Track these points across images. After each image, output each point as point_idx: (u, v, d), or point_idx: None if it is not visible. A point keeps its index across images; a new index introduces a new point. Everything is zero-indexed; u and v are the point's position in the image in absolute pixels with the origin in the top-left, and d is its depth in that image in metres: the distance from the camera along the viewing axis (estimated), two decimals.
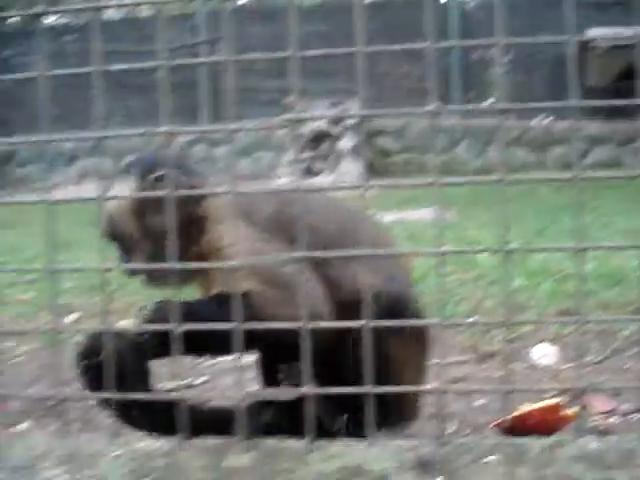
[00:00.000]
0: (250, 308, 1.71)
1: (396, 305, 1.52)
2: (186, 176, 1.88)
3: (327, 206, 1.98)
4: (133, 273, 1.93)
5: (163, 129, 1.48)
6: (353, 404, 1.69)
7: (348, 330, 1.72)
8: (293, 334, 1.48)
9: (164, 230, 1.86)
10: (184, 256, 1.85)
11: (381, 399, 1.58)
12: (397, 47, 1.50)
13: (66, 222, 7.58)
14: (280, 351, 1.82)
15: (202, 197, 1.85)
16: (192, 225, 1.87)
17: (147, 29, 12.98)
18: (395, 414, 1.56)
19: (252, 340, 1.60)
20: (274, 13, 11.93)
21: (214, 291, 1.85)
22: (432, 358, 1.91)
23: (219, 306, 1.71)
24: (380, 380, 1.59)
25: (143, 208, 1.87)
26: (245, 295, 1.71)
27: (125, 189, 1.92)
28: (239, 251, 1.78)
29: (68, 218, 7.36)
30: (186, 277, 1.91)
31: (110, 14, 14.85)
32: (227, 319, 1.47)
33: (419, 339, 1.82)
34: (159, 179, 1.88)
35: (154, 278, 1.92)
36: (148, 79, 11.96)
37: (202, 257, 1.87)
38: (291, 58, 1.48)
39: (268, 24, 11.98)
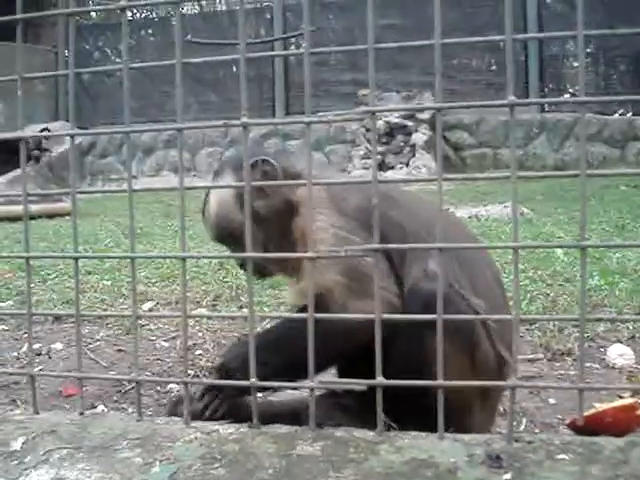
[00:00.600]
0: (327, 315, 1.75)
1: (433, 302, 1.50)
2: (284, 164, 1.96)
3: (413, 202, 1.99)
4: (243, 266, 1.97)
5: (240, 121, 1.50)
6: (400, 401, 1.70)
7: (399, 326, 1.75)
8: (369, 332, 1.51)
9: (271, 215, 1.92)
10: (284, 242, 1.92)
11: (423, 396, 1.58)
12: (475, 39, 1.49)
13: (140, 214, 7.78)
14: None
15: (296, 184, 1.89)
16: (288, 211, 1.93)
17: (223, 23, 13.14)
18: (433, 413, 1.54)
19: (333, 355, 1.64)
20: (348, 6, 11.91)
21: (297, 293, 1.90)
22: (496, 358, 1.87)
23: (295, 328, 1.75)
24: (417, 377, 1.59)
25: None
26: (321, 302, 1.73)
27: (229, 180, 1.97)
28: (326, 238, 1.81)
29: (142, 210, 7.57)
30: (286, 265, 1.96)
31: (188, 8, 15.08)
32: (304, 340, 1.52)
33: (461, 339, 1.78)
34: (253, 166, 1.92)
35: (263, 268, 1.97)
36: (223, 73, 12.13)
37: (294, 244, 1.92)
38: (368, 51, 1.48)
39: (342, 17, 11.99)
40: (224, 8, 14.51)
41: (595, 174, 1.49)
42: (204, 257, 1.88)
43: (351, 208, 1.86)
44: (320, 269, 1.78)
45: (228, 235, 1.96)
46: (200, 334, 3.10)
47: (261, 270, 1.97)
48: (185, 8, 14.42)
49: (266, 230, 1.94)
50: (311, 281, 1.53)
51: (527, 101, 1.55)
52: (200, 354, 2.89)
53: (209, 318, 3.22)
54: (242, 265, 1.95)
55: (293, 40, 12.68)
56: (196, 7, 14.97)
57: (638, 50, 11.00)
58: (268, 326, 2.30)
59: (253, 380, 1.60)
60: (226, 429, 1.65)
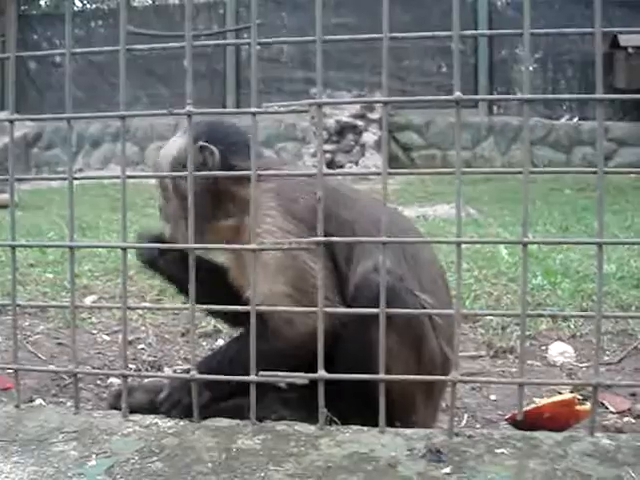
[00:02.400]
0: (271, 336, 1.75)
1: (383, 296, 1.50)
2: (232, 155, 1.91)
3: (363, 201, 1.97)
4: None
5: (185, 110, 1.48)
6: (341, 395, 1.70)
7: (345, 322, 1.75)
8: (315, 347, 1.53)
9: (203, 200, 1.89)
10: (214, 228, 1.90)
11: (367, 389, 1.58)
12: (422, 34, 1.49)
13: (87, 207, 7.64)
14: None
15: (245, 181, 1.82)
16: (232, 203, 1.90)
17: (176, 16, 13.01)
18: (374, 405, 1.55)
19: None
20: (301, 4, 11.90)
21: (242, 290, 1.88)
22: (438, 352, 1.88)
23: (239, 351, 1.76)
24: (365, 372, 1.60)
25: (179, 169, 1.89)
26: (266, 313, 1.73)
27: (178, 142, 1.95)
28: (272, 240, 1.78)
29: (88, 203, 7.45)
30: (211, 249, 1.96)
31: (140, 1, 14.90)
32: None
33: (410, 333, 1.79)
34: (203, 149, 1.90)
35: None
36: (173, 66, 12.02)
37: (236, 232, 1.91)
38: (316, 43, 1.47)
39: (295, 15, 11.98)
40: (176, 2, 14.36)
41: (537, 171, 1.51)
42: (145, 247, 1.84)
43: (300, 210, 1.83)
44: (267, 279, 1.76)
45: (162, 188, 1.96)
46: (143, 328, 3.06)
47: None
48: (137, 1, 14.25)
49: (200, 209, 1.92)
50: (254, 277, 1.53)
51: (472, 97, 1.56)
52: (143, 348, 2.85)
53: (149, 310, 3.18)
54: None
55: (247, 37, 12.61)
56: (148, 0, 14.80)
57: (585, 56, 11.21)
58: (215, 347, 2.26)
59: (193, 373, 1.58)
60: (165, 422, 1.63)
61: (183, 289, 2.00)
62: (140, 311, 3.20)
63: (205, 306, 1.71)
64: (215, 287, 1.92)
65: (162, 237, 1.98)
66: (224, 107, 11.79)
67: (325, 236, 1.53)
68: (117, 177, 1.55)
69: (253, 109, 1.48)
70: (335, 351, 1.72)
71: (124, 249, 1.56)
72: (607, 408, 2.33)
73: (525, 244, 1.43)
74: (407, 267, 1.85)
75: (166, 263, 1.96)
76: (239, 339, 1.81)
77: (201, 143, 1.88)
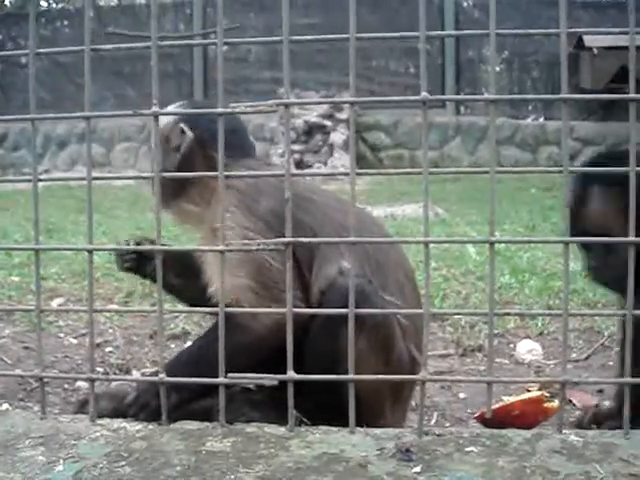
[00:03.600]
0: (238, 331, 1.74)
1: (352, 297, 1.50)
2: (210, 143, 1.90)
3: (328, 205, 1.97)
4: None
5: (151, 110, 1.47)
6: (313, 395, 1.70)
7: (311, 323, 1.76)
8: (279, 337, 1.53)
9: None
10: (182, 208, 1.94)
11: (337, 391, 1.59)
12: (388, 35, 1.49)
13: (53, 209, 7.54)
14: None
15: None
16: (200, 189, 1.92)
17: (142, 16, 12.90)
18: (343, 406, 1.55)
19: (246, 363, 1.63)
20: (269, 4, 11.87)
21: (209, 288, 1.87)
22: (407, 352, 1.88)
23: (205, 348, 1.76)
24: (334, 373, 1.60)
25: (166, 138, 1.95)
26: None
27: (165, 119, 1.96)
28: (231, 237, 1.77)
29: (55, 205, 7.36)
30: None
31: (106, 0, 14.78)
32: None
33: (379, 335, 1.79)
34: (183, 132, 1.94)
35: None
36: (140, 67, 11.93)
37: (200, 219, 1.93)
38: (283, 43, 1.47)
39: (263, 15, 11.95)
40: (143, 1, 14.26)
41: (503, 171, 1.52)
42: (111, 250, 1.82)
43: (261, 210, 1.83)
44: (229, 272, 1.75)
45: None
46: (111, 331, 3.03)
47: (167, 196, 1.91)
48: (103, 1, 14.13)
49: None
50: (220, 278, 1.52)
51: (439, 97, 1.57)
52: (111, 351, 2.83)
53: (117, 312, 3.15)
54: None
55: (215, 37, 12.54)
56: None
57: (551, 57, 11.32)
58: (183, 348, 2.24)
59: (162, 376, 1.57)
60: (134, 426, 1.62)
61: (174, 291, 2.01)
62: (108, 314, 3.18)
63: (172, 308, 1.70)
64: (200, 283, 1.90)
65: (142, 242, 1.96)
66: None
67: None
68: (83, 179, 1.53)
69: (220, 109, 1.47)
70: (304, 353, 1.71)
71: (90, 251, 1.54)
72: (575, 405, 2.35)
73: (492, 243, 1.44)
74: (370, 271, 1.85)
75: (151, 267, 1.93)
76: (205, 338, 1.81)
77: (181, 125, 1.93)
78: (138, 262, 1.98)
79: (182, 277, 1.98)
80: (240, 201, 1.85)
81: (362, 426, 1.59)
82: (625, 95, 1.49)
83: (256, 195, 1.87)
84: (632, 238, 1.44)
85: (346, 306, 1.51)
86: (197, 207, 1.94)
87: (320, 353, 1.77)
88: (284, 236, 1.51)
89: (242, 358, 1.66)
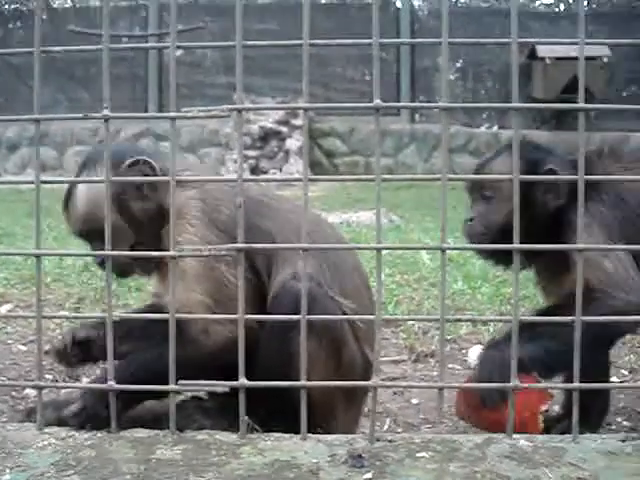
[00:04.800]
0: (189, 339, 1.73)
1: (305, 302, 1.50)
2: (162, 167, 1.86)
3: (285, 210, 1.96)
4: (102, 264, 1.86)
5: (102, 113, 1.45)
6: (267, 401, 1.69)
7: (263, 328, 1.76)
8: (233, 353, 1.52)
9: (145, 218, 1.85)
10: (154, 246, 1.83)
11: (288, 395, 1.58)
12: (342, 42, 1.50)
13: (3, 213, 7.39)
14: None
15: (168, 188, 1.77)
16: (161, 216, 1.85)
17: (96, 19, 12.76)
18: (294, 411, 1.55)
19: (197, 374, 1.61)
20: (225, 9, 11.85)
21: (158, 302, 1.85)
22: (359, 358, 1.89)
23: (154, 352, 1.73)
24: (285, 377, 1.60)
25: (124, 195, 1.84)
26: (183, 321, 1.71)
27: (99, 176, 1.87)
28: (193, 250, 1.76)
29: (5, 209, 7.21)
30: (151, 267, 1.91)
31: (60, 2, 14.58)
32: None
33: (329, 338, 1.80)
34: (133, 165, 1.85)
35: (126, 266, 1.87)
36: (94, 70, 11.79)
37: (163, 248, 1.86)
38: (236, 47, 1.47)
39: (219, 19, 11.91)
40: (97, 4, 14.10)
41: (455, 178, 1.53)
42: (60, 254, 1.79)
43: (223, 220, 1.82)
44: (185, 287, 1.74)
45: (95, 230, 1.80)
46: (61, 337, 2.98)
47: (123, 269, 1.90)
48: (57, 2, 13.93)
49: (137, 232, 1.86)
50: (174, 286, 1.50)
51: (391, 105, 1.58)
52: None
53: (67, 318, 3.10)
54: (101, 263, 1.85)
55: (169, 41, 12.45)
56: (69, 1, 14.47)
57: (504, 66, 11.47)
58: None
59: (111, 383, 1.55)
60: (82, 434, 1.59)
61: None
62: (58, 320, 3.13)
63: (124, 314, 1.68)
64: None
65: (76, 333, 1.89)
66: (146, 112, 11.62)
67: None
68: (31, 182, 1.50)
69: (172, 114, 1.46)
70: (255, 358, 1.70)
71: (38, 256, 1.51)
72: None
73: (444, 250, 1.45)
74: (329, 274, 1.85)
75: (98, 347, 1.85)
76: (155, 345, 1.77)
77: (143, 157, 1.86)
78: (86, 349, 1.87)
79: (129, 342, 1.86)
80: (203, 213, 1.83)
81: (315, 429, 1.58)
82: (574, 105, 1.51)
83: (217, 204, 1.86)
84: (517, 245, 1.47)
85: (296, 310, 1.51)
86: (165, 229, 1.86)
87: (271, 357, 1.77)
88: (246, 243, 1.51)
89: (192, 370, 1.64)
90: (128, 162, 1.84)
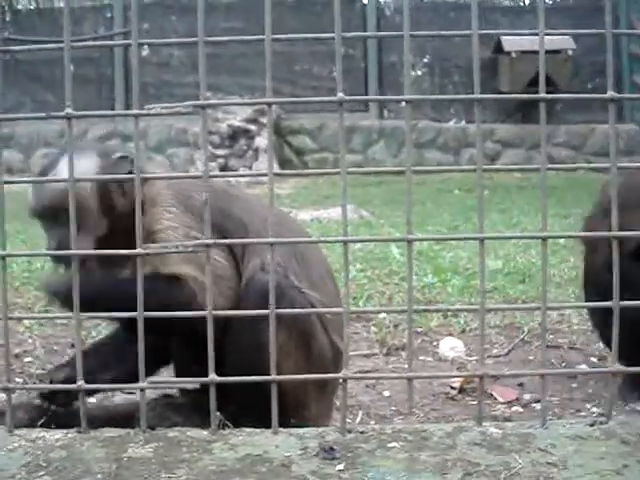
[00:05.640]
0: (181, 290, 1.74)
1: (273, 296, 1.51)
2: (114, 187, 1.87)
3: (253, 201, 2.01)
4: (59, 261, 1.84)
5: (65, 112, 1.44)
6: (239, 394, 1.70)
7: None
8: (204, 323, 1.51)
9: (123, 214, 1.83)
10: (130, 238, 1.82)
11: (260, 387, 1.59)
12: (304, 36, 1.50)
13: None
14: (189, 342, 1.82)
15: (143, 181, 1.76)
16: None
17: (60, 20, 12.63)
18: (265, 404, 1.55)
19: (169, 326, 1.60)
20: (191, 8, 11.78)
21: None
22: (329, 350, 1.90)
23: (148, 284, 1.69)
24: (256, 370, 1.61)
25: (108, 186, 1.85)
26: (178, 279, 1.73)
27: (92, 162, 1.87)
28: (174, 236, 1.77)
29: None
30: (124, 261, 1.87)
31: (24, 3, 14.40)
32: (153, 298, 1.55)
33: (298, 329, 1.81)
34: (123, 158, 1.87)
35: (91, 263, 1.85)
36: (59, 72, 11.68)
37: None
38: (199, 44, 1.47)
39: (184, 19, 11.85)
40: (62, 5, 13.97)
41: (420, 170, 1.54)
42: (26, 255, 1.78)
43: (197, 207, 1.83)
44: (179, 264, 1.77)
45: (65, 211, 1.66)
46: (30, 340, 2.96)
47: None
48: (20, 4, 13.75)
49: (112, 226, 1.86)
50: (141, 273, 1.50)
51: (354, 98, 1.59)
52: (30, 361, 2.76)
53: (35, 320, 3.08)
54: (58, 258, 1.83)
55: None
56: (32, 3, 14.30)
57: (471, 61, 11.49)
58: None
59: (80, 383, 1.54)
60: (52, 435, 1.58)
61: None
62: (27, 323, 3.10)
63: (90, 314, 1.67)
64: None
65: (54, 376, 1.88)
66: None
67: (223, 233, 1.61)
68: None
69: (135, 111, 1.46)
70: (225, 352, 1.71)
71: (3, 257, 1.50)
72: (496, 399, 2.40)
73: (410, 241, 1.47)
74: (297, 265, 1.87)
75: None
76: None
77: (130, 155, 1.87)
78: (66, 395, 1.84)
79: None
80: (177, 200, 1.86)
81: (288, 419, 1.59)
82: (535, 95, 1.53)
83: (189, 192, 1.88)
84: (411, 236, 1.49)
85: (263, 302, 1.52)
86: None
87: (241, 349, 1.78)
88: (221, 229, 1.50)
89: (165, 309, 1.60)
90: (118, 155, 1.87)
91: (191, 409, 1.83)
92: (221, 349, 1.62)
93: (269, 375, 1.50)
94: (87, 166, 1.86)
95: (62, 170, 1.77)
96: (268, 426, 1.54)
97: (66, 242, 1.64)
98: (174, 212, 1.83)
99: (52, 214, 1.84)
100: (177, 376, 1.97)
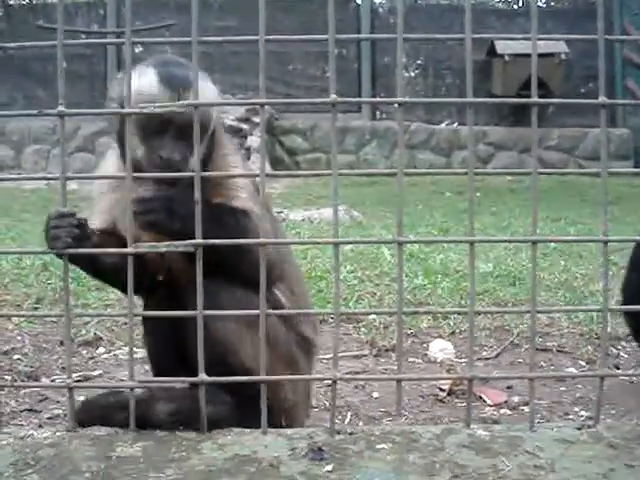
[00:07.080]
0: (252, 222, 1.73)
1: (263, 296, 1.51)
2: None
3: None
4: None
5: (57, 110, 1.44)
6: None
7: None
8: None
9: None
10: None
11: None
12: (298, 37, 1.50)
13: None
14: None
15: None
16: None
17: (54, 15, 12.59)
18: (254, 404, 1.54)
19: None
20: (184, 6, 11.77)
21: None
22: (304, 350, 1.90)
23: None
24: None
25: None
26: (248, 212, 1.75)
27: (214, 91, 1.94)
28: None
29: None
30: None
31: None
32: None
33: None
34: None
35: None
36: (51, 67, 11.64)
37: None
38: (192, 43, 1.47)
39: (178, 16, 11.84)
40: (55, 0, 13.92)
41: (412, 172, 1.54)
42: (15, 253, 1.77)
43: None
44: (242, 199, 1.81)
45: (190, 128, 1.54)
46: (19, 338, 2.95)
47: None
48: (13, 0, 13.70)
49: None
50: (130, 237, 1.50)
51: (347, 100, 1.59)
52: (19, 359, 2.74)
53: (24, 317, 3.07)
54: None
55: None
56: None
57: (464, 63, 11.56)
58: None
59: (70, 381, 1.54)
60: (41, 433, 1.58)
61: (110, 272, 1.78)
62: (16, 320, 3.09)
63: (80, 312, 1.66)
64: None
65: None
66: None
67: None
68: None
69: (128, 110, 1.46)
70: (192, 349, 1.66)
71: None
72: (485, 401, 2.41)
73: (400, 243, 1.47)
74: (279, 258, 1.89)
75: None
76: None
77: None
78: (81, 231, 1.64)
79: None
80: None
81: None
82: (527, 99, 1.54)
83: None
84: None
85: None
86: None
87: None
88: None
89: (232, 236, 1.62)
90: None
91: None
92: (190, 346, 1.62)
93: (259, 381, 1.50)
94: (214, 91, 1.91)
95: (203, 89, 1.69)
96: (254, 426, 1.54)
97: (186, 158, 1.68)
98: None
99: (182, 126, 1.70)
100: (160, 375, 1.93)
